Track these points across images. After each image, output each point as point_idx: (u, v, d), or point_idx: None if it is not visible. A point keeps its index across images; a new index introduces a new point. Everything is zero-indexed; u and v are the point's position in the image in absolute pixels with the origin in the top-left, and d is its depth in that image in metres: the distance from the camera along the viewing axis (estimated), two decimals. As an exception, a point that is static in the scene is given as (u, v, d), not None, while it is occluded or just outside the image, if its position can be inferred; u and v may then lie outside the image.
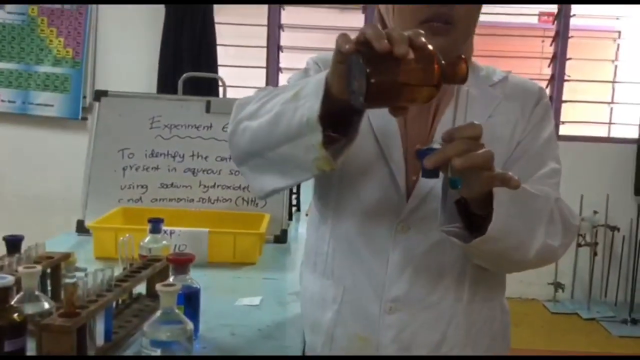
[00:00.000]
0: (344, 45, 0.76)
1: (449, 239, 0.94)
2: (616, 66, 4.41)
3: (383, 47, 0.73)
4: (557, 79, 4.15)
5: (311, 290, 1.14)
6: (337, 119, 0.88)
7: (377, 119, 1.03)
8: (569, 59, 4.14)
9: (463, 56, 0.80)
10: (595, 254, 4.11)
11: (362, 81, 0.74)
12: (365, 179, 1.05)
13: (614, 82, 4.37)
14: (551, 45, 4.20)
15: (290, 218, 2.15)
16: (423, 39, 0.76)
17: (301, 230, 2.19)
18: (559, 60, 4.14)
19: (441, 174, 0.87)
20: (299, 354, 1.10)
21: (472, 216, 0.94)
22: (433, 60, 0.76)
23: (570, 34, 4.12)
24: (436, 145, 0.84)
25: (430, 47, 0.76)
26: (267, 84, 4.09)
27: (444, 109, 1.04)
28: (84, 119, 3.81)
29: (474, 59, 1.11)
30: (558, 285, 4.13)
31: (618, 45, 4.61)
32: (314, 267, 1.13)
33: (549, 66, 4.21)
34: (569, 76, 4.17)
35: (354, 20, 4.02)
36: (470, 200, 0.91)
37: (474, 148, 0.81)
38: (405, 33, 0.75)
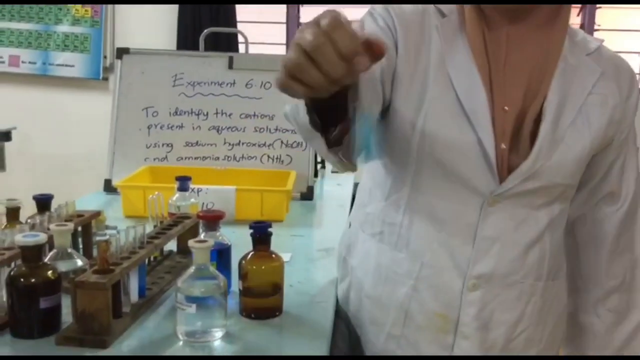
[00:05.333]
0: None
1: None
2: (648, 14, 4.25)
3: None
4: (587, 28, 4.02)
5: (377, 261, 1.06)
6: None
7: (461, 86, 0.95)
8: (599, 7, 3.99)
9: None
10: None
11: None
12: (451, 148, 0.96)
13: (645, 30, 4.22)
14: (580, -8, 4.06)
15: (315, 175, 2.14)
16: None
17: (326, 187, 2.18)
18: (588, 8, 4.00)
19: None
20: (332, 309, 1.09)
21: None
22: None
23: (601, -20, 3.97)
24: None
25: None
26: (287, 40, 4.03)
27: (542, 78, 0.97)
28: (105, 79, 3.79)
29: None
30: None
31: (650, -9, 4.43)
32: (380, 236, 1.06)
33: (578, 15, 4.07)
34: (599, 25, 4.03)
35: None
36: None
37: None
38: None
